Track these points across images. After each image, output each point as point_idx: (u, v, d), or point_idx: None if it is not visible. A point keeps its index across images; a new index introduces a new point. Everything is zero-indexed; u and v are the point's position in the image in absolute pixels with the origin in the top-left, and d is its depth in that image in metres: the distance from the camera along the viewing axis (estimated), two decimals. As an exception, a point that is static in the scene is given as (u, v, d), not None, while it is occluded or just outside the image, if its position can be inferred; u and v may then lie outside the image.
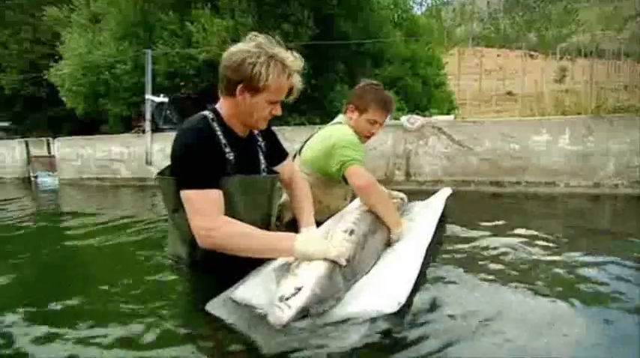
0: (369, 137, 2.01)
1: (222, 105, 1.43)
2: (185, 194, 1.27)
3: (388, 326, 1.14)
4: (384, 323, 1.15)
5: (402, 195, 2.35)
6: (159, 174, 1.45)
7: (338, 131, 1.89)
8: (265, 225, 1.57)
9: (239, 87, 1.33)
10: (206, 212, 1.26)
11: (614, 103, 4.59)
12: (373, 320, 1.15)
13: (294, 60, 1.36)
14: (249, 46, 1.32)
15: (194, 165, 1.29)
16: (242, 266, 1.34)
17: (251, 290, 1.27)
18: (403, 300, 1.22)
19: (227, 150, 1.37)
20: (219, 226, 1.25)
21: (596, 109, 4.01)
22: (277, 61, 1.32)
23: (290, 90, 1.41)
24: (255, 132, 1.55)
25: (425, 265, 1.57)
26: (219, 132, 1.37)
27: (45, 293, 1.61)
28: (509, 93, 15.26)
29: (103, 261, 2.04)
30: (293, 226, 1.82)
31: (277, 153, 1.65)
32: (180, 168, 1.32)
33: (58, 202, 4.78)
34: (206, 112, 1.41)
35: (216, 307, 1.22)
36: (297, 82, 1.40)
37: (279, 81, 1.33)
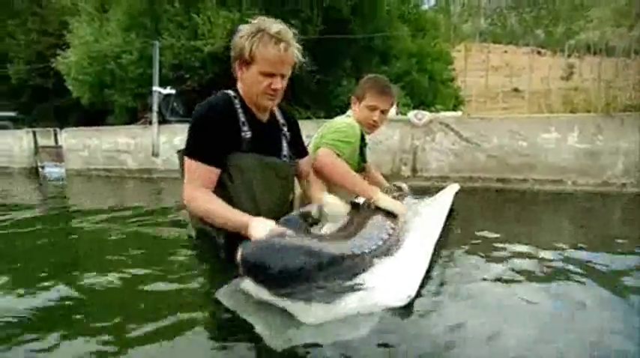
0: (373, 126, 2.01)
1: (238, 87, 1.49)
2: (187, 161, 1.37)
3: (398, 319, 1.15)
4: (394, 316, 1.15)
5: (400, 184, 2.37)
6: (180, 150, 1.53)
7: (335, 121, 1.93)
8: (282, 212, 1.57)
9: (236, 63, 1.41)
10: (194, 182, 1.35)
11: (624, 102, 4.54)
12: (383, 313, 1.15)
13: (280, 30, 1.36)
14: (249, 24, 1.39)
15: (201, 136, 1.37)
16: None
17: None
18: (413, 294, 1.23)
19: (245, 128, 1.42)
20: (196, 198, 1.36)
21: (606, 107, 3.97)
22: (264, 33, 1.35)
23: (287, 64, 1.40)
24: (281, 121, 1.57)
25: (433, 260, 1.58)
26: (239, 110, 1.42)
27: (52, 281, 1.62)
28: (516, 89, 15.16)
29: (109, 250, 2.05)
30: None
31: (297, 148, 1.67)
32: (189, 136, 1.39)
33: (64, 192, 4.80)
34: (229, 91, 1.46)
35: (224, 296, 1.23)
36: (293, 53, 1.40)
37: (265, 50, 1.34)
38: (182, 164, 1.49)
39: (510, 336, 1.10)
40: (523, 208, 3.27)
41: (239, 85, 1.48)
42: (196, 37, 6.47)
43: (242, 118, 1.42)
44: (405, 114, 4.52)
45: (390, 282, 1.29)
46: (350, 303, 1.18)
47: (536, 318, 1.19)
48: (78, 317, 1.25)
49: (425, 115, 4.28)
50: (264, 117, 1.52)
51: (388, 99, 1.97)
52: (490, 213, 3.16)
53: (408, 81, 9.03)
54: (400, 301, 1.18)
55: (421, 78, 9.56)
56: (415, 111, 4.40)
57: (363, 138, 2.04)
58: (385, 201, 1.70)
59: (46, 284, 1.55)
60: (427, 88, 9.79)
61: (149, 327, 1.16)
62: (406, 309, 1.17)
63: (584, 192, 3.71)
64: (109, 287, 1.51)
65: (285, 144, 1.57)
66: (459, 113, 6.10)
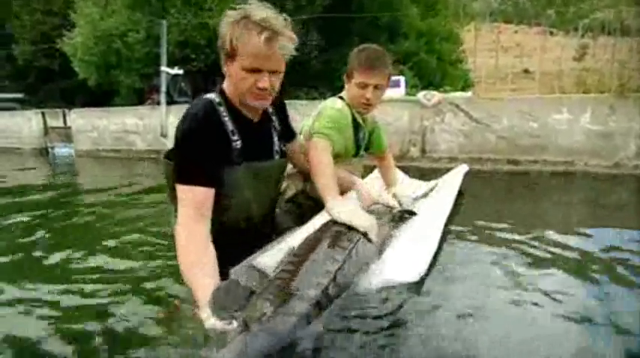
0: (367, 105, 1.79)
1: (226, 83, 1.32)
2: (177, 186, 1.22)
3: (409, 296, 1.19)
4: (406, 292, 1.19)
5: (391, 202, 1.88)
6: (166, 155, 1.39)
7: (325, 106, 1.79)
8: (272, 208, 1.55)
9: (222, 56, 1.23)
10: (189, 210, 1.18)
11: (638, 82, 4.45)
12: (395, 289, 1.19)
13: (266, 16, 1.15)
14: (236, 10, 1.20)
15: (188, 158, 1.21)
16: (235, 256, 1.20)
17: (272, 258, 1.30)
18: (423, 271, 1.27)
19: (235, 137, 1.27)
20: (185, 235, 1.17)
21: (620, 88, 3.89)
22: (249, 21, 1.15)
23: (275, 58, 1.19)
24: (269, 110, 1.44)
25: (443, 239, 1.61)
26: (226, 118, 1.26)
27: (59, 256, 1.67)
28: (526, 71, 14.86)
29: (115, 230, 2.09)
30: (294, 202, 1.80)
31: (287, 134, 1.55)
32: (176, 158, 1.25)
33: (73, 173, 4.86)
34: (212, 95, 1.29)
35: (239, 273, 1.26)
36: (283, 46, 1.19)
37: (248, 41, 1.15)
38: (168, 171, 1.35)
39: (515, 315, 1.13)
40: (533, 190, 3.26)
41: (226, 82, 1.30)
42: (202, 11, 6.39)
43: (230, 126, 1.26)
44: (414, 94, 4.47)
45: (402, 261, 1.32)
46: (365, 280, 1.22)
47: (543, 302, 1.21)
48: (74, 289, 1.30)
49: (434, 95, 4.24)
50: (256, 116, 1.36)
51: (379, 73, 1.73)
52: (499, 194, 3.16)
53: (416, 61, 8.89)
54: (412, 278, 1.22)
55: (429, 58, 9.40)
56: (424, 92, 4.36)
57: (356, 123, 1.87)
58: (342, 213, 1.37)
59: (50, 259, 1.59)
60: (435, 69, 9.63)
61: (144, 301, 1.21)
62: (417, 286, 1.21)
63: (596, 174, 3.68)
64: (111, 268, 1.53)
65: (276, 140, 1.45)
66: (469, 93, 6.01)
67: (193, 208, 1.18)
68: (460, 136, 4.16)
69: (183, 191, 1.19)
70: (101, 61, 7.35)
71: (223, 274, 1.13)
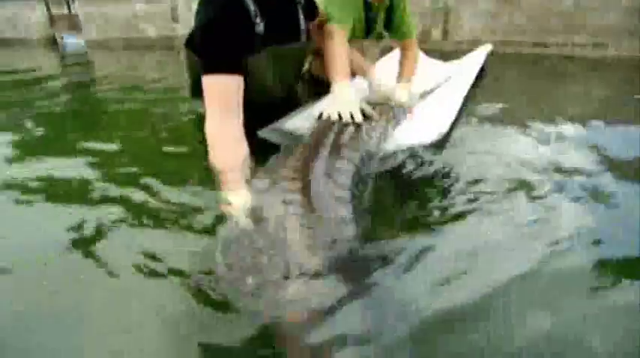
0: None
1: None
2: (203, 78, 1.14)
3: (431, 153, 1.32)
4: (428, 149, 1.32)
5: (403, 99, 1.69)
6: (187, 41, 1.37)
7: None
8: (289, 89, 1.55)
9: None
10: (216, 107, 1.11)
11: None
12: (419, 146, 1.31)
13: None
14: None
15: (213, 48, 1.13)
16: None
17: (296, 122, 1.43)
18: (444, 131, 1.39)
19: (257, 20, 1.19)
20: (215, 132, 1.11)
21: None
22: None
23: None
24: None
25: (463, 107, 1.71)
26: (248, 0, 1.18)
27: (73, 139, 1.79)
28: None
29: (127, 118, 2.17)
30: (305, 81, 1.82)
31: (310, 10, 1.47)
32: (201, 49, 1.16)
33: (84, 64, 4.76)
34: None
35: (266, 133, 1.38)
36: None
37: None
38: (190, 61, 1.34)
39: (518, 181, 1.24)
40: (557, 75, 3.08)
41: None
42: None
43: (252, 7, 1.17)
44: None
45: (426, 122, 1.47)
46: (393, 139, 1.34)
47: (547, 184, 1.24)
48: (88, 178, 1.37)
49: (461, -30, 3.89)
50: None
51: None
52: (522, 79, 3.04)
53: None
54: (434, 137, 1.35)
55: None
56: (451, -33, 3.99)
57: (367, 2, 1.73)
58: (334, 99, 1.33)
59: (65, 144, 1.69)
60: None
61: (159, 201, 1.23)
62: (438, 145, 1.35)
63: (626, 58, 3.47)
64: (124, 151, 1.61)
65: (301, 17, 1.35)
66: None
67: (222, 101, 1.11)
68: (486, 16, 3.92)
69: (210, 82, 1.11)
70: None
71: (252, 144, 1.16)
